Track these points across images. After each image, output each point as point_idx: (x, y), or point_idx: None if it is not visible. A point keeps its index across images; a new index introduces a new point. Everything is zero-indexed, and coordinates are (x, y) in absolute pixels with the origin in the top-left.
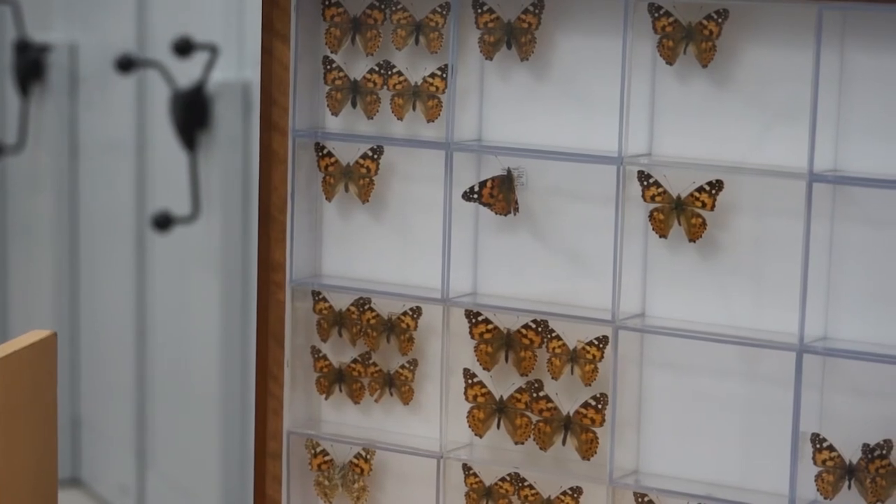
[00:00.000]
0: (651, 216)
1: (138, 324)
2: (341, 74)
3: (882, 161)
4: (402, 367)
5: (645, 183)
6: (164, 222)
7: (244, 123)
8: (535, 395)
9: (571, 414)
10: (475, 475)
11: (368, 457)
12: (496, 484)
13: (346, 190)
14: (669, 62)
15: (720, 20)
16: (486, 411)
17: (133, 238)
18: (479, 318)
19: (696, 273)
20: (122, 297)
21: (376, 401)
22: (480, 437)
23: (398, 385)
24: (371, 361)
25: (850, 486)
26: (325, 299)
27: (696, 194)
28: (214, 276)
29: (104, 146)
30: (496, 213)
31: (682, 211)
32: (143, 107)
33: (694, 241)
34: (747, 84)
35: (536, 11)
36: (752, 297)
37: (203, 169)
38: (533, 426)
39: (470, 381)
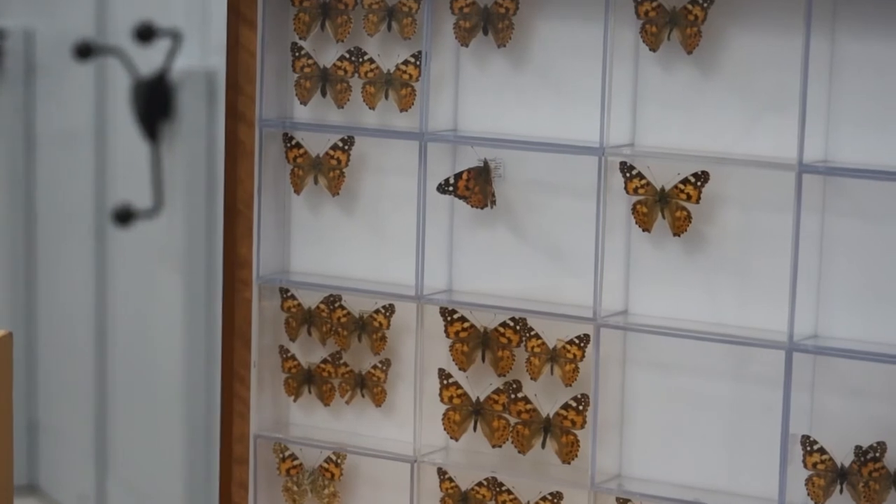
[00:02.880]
0: (634, 209)
1: (98, 323)
2: (310, 62)
3: (874, 151)
4: (375, 367)
5: (627, 175)
6: (124, 216)
7: (209, 113)
8: (513, 396)
9: (551, 416)
10: (451, 480)
11: (339, 461)
12: (472, 489)
13: (316, 182)
14: (653, 49)
15: (706, 5)
16: (462, 413)
17: (92, 233)
18: (455, 316)
19: (681, 269)
20: (81, 294)
21: (347, 402)
22: (456, 440)
23: (370, 386)
24: (342, 361)
25: (841, 491)
26: (293, 297)
27: (681, 186)
28: (178, 273)
29: (62, 137)
30: (472, 207)
31: (667, 204)
32: (102, 96)
33: (679, 236)
34: (734, 72)
35: None
36: (740, 294)
37: (166, 161)
38: (511, 429)
39: (445, 382)
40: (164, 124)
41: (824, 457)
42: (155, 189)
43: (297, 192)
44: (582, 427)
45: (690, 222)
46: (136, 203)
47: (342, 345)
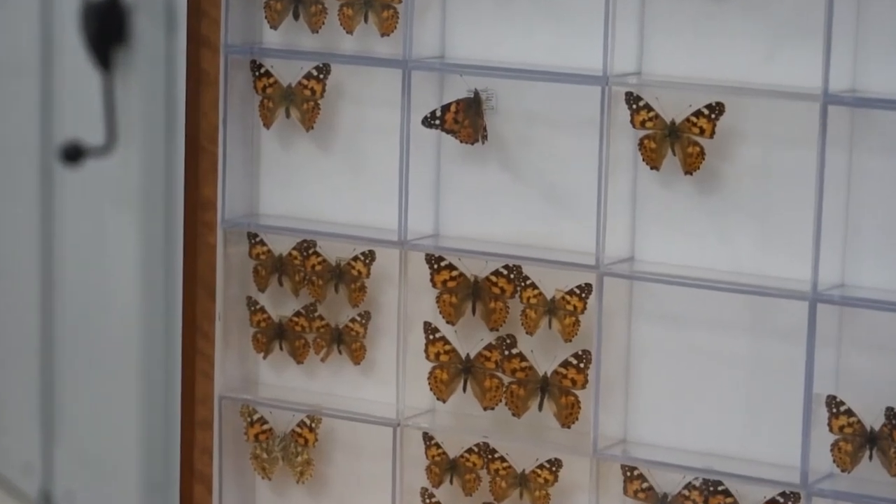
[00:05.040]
0: (641, 145)
1: (44, 273)
2: None
3: None
4: (353, 320)
5: (634, 106)
6: (74, 154)
7: (168, 38)
8: (507, 352)
9: (549, 374)
10: (438, 446)
11: (314, 425)
12: (462, 456)
13: (288, 115)
14: None
15: None
16: (451, 372)
17: (38, 173)
18: (442, 264)
19: (693, 211)
20: (26, 241)
21: (323, 360)
22: (444, 401)
23: (348, 342)
24: (316, 314)
25: (871, 457)
26: (262, 242)
27: (694, 119)
28: (133, 217)
29: (4, 67)
30: (461, 142)
31: (677, 139)
32: (48, 20)
33: (691, 174)
34: None
35: None
36: (758, 239)
37: (120, 92)
38: (505, 389)
39: (431, 337)
40: (118, 51)
41: (852, 419)
42: (107, 124)
43: (267, 125)
44: (583, 387)
45: (703, 159)
46: (87, 139)
47: (317, 296)
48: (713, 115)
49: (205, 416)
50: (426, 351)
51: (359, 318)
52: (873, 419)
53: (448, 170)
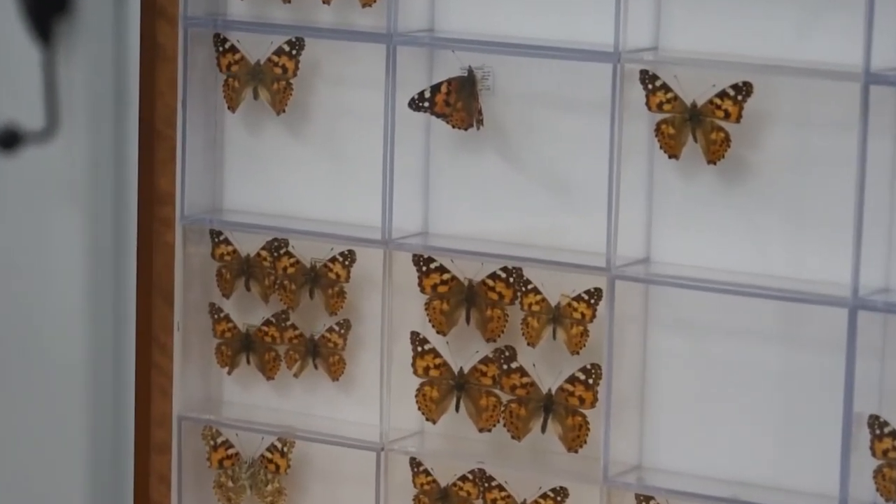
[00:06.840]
0: (658, 130)
1: None
2: None
3: None
4: (330, 330)
5: (650, 86)
6: (9, 140)
7: (118, 7)
8: (505, 366)
9: (553, 392)
10: (427, 473)
11: (286, 450)
12: (455, 484)
13: (256, 97)
14: None
15: None
16: (442, 388)
17: None
18: (432, 266)
19: (717, 205)
20: None
21: (296, 375)
22: (434, 422)
23: (325, 354)
24: (289, 323)
25: None
26: (227, 241)
27: (718, 101)
28: (79, 213)
29: None
30: (454, 127)
31: (699, 123)
32: None
33: (714, 163)
34: None
35: None
36: (792, 237)
37: (62, 69)
38: (503, 408)
39: (420, 349)
40: (60, 21)
41: None
42: (48, 105)
43: (232, 108)
44: (592, 406)
45: (729, 146)
46: (24, 123)
47: (289, 302)
48: (740, 97)
49: (162, 440)
50: (414, 365)
51: (337, 328)
52: None
53: (438, 159)
